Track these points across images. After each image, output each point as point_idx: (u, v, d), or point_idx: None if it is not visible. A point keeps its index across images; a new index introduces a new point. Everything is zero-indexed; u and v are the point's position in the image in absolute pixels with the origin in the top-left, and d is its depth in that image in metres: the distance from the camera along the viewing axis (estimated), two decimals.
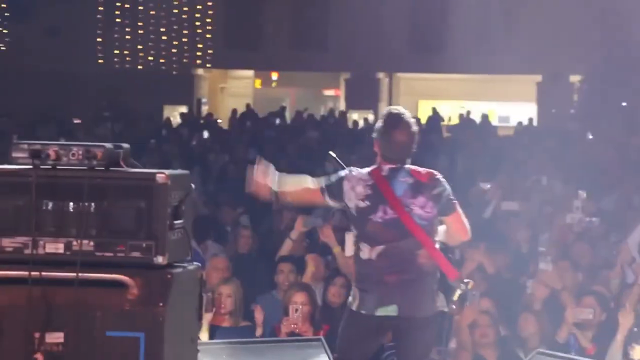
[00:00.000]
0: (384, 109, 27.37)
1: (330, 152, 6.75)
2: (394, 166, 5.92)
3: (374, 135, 6.10)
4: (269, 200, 6.27)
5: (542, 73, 27.88)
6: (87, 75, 29.40)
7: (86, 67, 29.43)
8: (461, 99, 28.61)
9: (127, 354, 4.46)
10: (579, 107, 25.06)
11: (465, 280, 6.01)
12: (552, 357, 7.10)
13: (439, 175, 6.00)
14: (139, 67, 29.71)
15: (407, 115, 6.04)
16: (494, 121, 25.73)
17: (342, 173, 6.00)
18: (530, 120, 25.21)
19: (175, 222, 4.70)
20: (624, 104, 23.53)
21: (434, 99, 29.06)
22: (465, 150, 18.37)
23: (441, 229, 6.00)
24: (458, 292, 5.93)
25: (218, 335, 7.96)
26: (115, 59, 29.71)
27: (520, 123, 24.44)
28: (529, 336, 8.33)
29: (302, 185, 6.13)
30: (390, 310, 5.85)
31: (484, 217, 12.70)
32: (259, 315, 8.41)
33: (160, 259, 4.61)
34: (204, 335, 7.82)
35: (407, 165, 5.97)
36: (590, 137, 19.37)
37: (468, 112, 25.54)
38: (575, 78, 26.54)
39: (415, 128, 6.00)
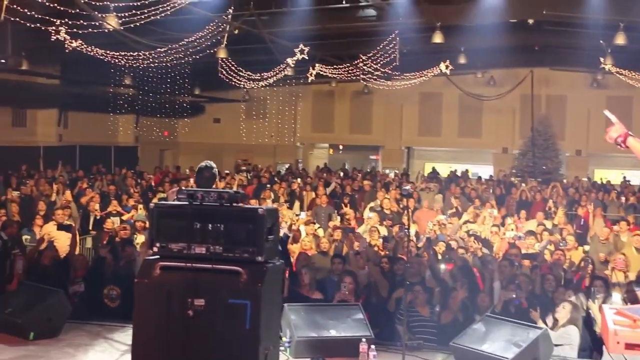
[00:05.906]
0: (403, 168, 27.50)
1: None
2: None
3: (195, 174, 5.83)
4: None
5: (496, 148, 27.56)
6: (234, 145, 29.89)
7: (234, 140, 29.91)
8: (449, 162, 28.28)
9: (240, 313, 4.56)
10: (516, 168, 24.76)
11: None
12: (495, 318, 7.02)
13: None
14: (266, 140, 30.02)
15: (211, 164, 5.73)
16: (470, 175, 25.30)
17: None
18: (490, 175, 24.81)
19: (269, 237, 4.77)
20: (543, 167, 23.19)
21: (434, 162, 28.78)
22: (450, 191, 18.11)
23: None
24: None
25: (300, 300, 7.92)
26: (252, 136, 30.09)
27: (484, 177, 24.01)
28: (482, 306, 8.19)
29: None
30: None
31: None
32: None
33: (260, 258, 4.69)
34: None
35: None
36: (523, 185, 18.95)
37: (455, 170, 25.17)
38: (514, 151, 26.20)
39: (215, 171, 5.73)
